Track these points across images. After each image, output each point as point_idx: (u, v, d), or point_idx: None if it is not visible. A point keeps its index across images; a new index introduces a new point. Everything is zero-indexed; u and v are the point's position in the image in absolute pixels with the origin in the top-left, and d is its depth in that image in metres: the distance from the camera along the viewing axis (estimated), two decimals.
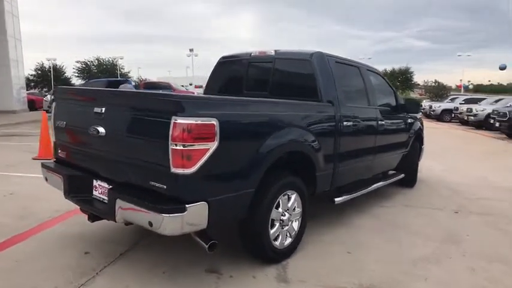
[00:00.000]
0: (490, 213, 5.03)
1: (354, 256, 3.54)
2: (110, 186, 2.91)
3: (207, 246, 2.70)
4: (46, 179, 3.48)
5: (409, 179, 6.08)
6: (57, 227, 4.00)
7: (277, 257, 3.28)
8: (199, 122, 2.45)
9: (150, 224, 2.45)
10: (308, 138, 3.43)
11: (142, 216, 2.50)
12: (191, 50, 47.01)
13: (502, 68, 30.06)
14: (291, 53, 4.25)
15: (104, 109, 2.86)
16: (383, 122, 4.86)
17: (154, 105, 2.57)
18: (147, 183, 2.60)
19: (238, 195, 2.81)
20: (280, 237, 3.28)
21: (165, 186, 2.49)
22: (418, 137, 6.31)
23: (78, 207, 3.39)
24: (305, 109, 3.56)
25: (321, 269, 3.24)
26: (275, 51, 4.30)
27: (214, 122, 2.52)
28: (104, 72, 38.85)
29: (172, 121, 2.40)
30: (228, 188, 2.73)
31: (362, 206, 5.02)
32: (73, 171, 3.22)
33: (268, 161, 2.97)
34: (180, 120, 2.40)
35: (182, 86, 28.73)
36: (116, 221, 2.73)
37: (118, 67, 41.81)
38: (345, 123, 3.98)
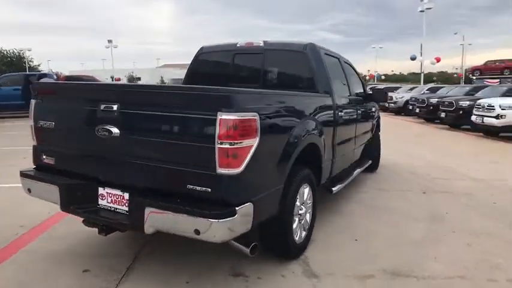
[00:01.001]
0: (449, 191, 5.53)
1: (362, 243, 3.62)
2: (127, 194, 2.58)
3: (248, 250, 2.53)
4: (29, 191, 2.96)
5: (374, 164, 6.43)
6: (35, 245, 3.45)
7: (297, 252, 3.22)
8: (244, 117, 2.27)
9: (197, 231, 2.22)
10: (318, 129, 3.41)
11: (184, 223, 2.25)
12: (110, 41, 43.83)
13: (413, 58, 33.34)
14: (283, 44, 4.17)
15: (116, 106, 2.50)
16: (360, 111, 5.05)
17: (193, 101, 2.30)
18: (183, 187, 2.35)
19: (272, 192, 2.69)
20: (298, 231, 3.22)
21: (209, 189, 2.27)
22: (378, 124, 6.70)
23: (75, 219, 2.95)
24: (315, 100, 3.53)
25: (341, 260, 3.26)
26: (264, 42, 4.18)
27: (256, 116, 2.36)
28: (8, 66, 34.16)
29: (219, 117, 2.19)
30: (266, 186, 2.60)
31: (342, 192, 5.15)
32: (71, 179, 2.78)
33: (295, 154, 2.89)
34: (226, 116, 2.20)
35: (107, 79, 26.71)
36: (144, 232, 2.42)
37: (26, 60, 37.31)
38: (339, 113, 4.04)
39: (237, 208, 2.26)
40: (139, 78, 68.69)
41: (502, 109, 10.57)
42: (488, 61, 34.72)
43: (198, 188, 2.30)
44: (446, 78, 62.23)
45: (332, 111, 3.87)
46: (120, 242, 3.48)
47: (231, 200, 2.28)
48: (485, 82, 29.76)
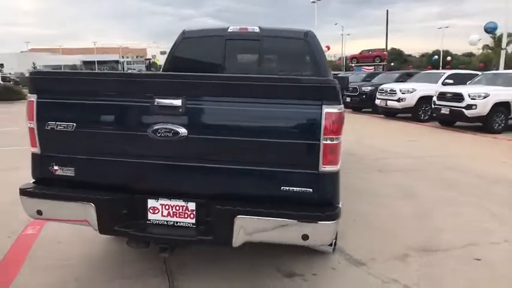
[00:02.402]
0: (400, 170, 6.15)
1: (371, 225, 3.78)
2: (192, 203, 2.21)
3: (331, 249, 2.43)
4: (39, 213, 2.30)
5: None
6: (23, 280, 2.71)
7: (335, 241, 3.21)
8: (341, 110, 2.13)
9: (305, 237, 2.03)
10: None
11: (290, 229, 2.03)
12: None
13: None
14: (282, 31, 4.02)
15: (180, 101, 2.09)
16: None
17: (291, 92, 2.05)
18: (275, 190, 2.11)
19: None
20: None
21: (310, 190, 2.08)
22: None
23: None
24: None
25: (368, 245, 3.34)
26: (259, 28, 3.96)
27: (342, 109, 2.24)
28: None
29: (324, 111, 2.01)
30: (340, 180, 2.50)
31: None
32: (106, 193, 2.24)
33: None
34: (331, 110, 2.04)
35: None
36: (231, 246, 2.11)
37: None
38: None
39: (340, 207, 2.14)
40: (2, 65, 59.28)
41: (402, 93, 12.10)
42: (363, 50, 39.30)
43: (297, 189, 2.09)
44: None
45: None
46: (129, 256, 2.98)
47: (333, 199, 2.14)
48: (362, 69, 33.73)
